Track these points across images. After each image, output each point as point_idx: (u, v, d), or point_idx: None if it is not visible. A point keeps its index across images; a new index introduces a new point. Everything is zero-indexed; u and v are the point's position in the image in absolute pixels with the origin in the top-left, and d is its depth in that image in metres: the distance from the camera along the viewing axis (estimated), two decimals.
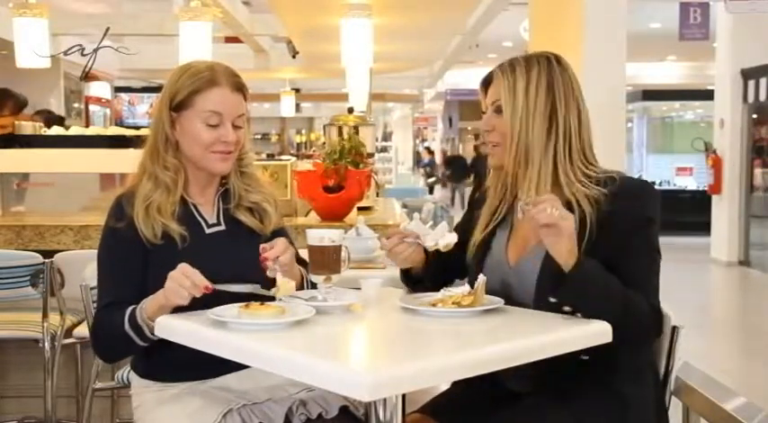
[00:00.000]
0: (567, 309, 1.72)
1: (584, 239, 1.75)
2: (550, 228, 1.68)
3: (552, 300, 1.73)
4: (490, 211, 1.99)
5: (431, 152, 23.79)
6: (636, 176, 1.99)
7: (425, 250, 2.01)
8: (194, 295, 1.74)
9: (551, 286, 1.73)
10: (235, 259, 1.95)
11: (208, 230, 2.00)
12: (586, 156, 1.89)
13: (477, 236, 1.98)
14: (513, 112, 1.85)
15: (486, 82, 1.95)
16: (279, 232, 2.08)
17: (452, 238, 1.94)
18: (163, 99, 1.98)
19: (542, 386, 1.81)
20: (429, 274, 2.03)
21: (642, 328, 1.78)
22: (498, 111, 1.89)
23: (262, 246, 1.87)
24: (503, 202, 1.98)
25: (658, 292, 1.82)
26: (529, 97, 1.85)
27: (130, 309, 1.85)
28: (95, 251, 2.02)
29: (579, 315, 1.71)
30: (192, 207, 2.01)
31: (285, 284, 1.81)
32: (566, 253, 1.69)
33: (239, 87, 1.98)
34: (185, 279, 1.74)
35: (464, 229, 2.04)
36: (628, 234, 1.79)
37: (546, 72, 1.87)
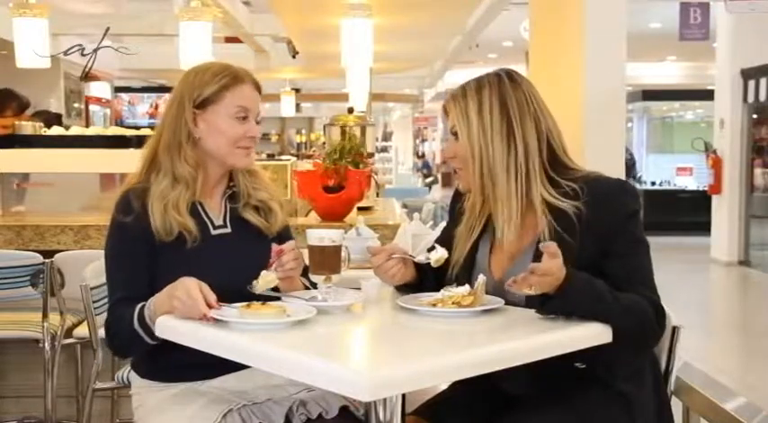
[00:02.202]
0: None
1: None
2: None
3: (539, 316, 1.73)
4: (469, 229, 1.97)
5: (420, 156, 24.40)
6: (618, 176, 1.95)
7: (416, 266, 1.99)
8: (194, 317, 1.71)
9: (539, 301, 1.72)
10: (238, 263, 1.95)
11: (213, 232, 2.00)
12: (558, 165, 1.88)
13: (459, 255, 1.96)
14: (470, 135, 1.85)
15: (445, 109, 1.94)
16: (284, 233, 2.09)
17: (443, 253, 1.92)
18: (182, 98, 1.99)
19: (539, 389, 1.81)
20: (426, 288, 1.96)
21: (648, 331, 1.77)
22: (456, 136, 1.89)
23: (273, 245, 1.88)
24: (480, 217, 1.96)
25: (653, 281, 1.82)
26: (483, 119, 1.85)
27: (139, 307, 1.85)
28: (95, 251, 2.03)
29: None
30: (200, 206, 2.01)
31: (265, 277, 1.80)
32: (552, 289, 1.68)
33: (258, 86, 2.05)
34: (189, 301, 1.72)
35: (447, 240, 2.01)
36: (612, 237, 1.79)
37: (497, 91, 1.87)
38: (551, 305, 1.69)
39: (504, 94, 1.86)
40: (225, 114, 1.97)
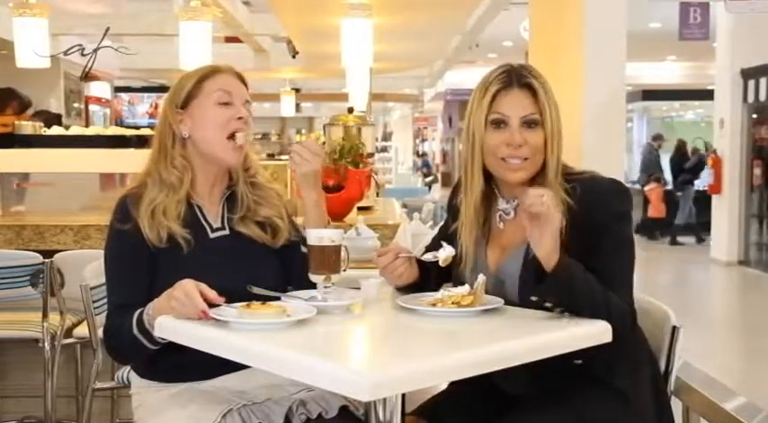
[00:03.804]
0: (549, 305, 1.73)
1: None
2: (539, 219, 1.66)
3: (534, 298, 1.73)
4: (471, 223, 1.95)
5: (420, 155, 24.52)
6: (616, 176, 1.95)
7: (421, 267, 1.99)
8: (193, 317, 1.71)
9: (534, 283, 1.73)
10: (238, 265, 1.95)
11: (212, 235, 2.00)
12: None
13: (465, 249, 1.94)
14: (552, 120, 1.84)
15: (496, 94, 1.86)
16: (293, 244, 2.06)
17: (450, 251, 1.91)
18: (167, 105, 2.01)
19: (539, 389, 1.81)
20: (428, 287, 1.95)
21: (621, 327, 1.76)
22: (531, 125, 1.84)
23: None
24: (480, 212, 1.95)
25: (632, 284, 1.82)
26: (557, 106, 1.86)
27: (137, 313, 1.85)
28: (95, 251, 2.03)
29: (564, 313, 1.73)
30: (197, 209, 2.00)
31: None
32: (549, 250, 1.68)
33: (240, 77, 2.04)
34: (186, 300, 1.72)
35: (447, 237, 2.01)
36: (599, 235, 1.79)
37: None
38: (547, 285, 1.69)
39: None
40: (208, 103, 1.97)
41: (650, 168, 13.34)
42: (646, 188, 12.88)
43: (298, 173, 2.04)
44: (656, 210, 12.71)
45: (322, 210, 2.09)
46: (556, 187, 1.82)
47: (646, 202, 12.88)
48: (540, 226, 1.67)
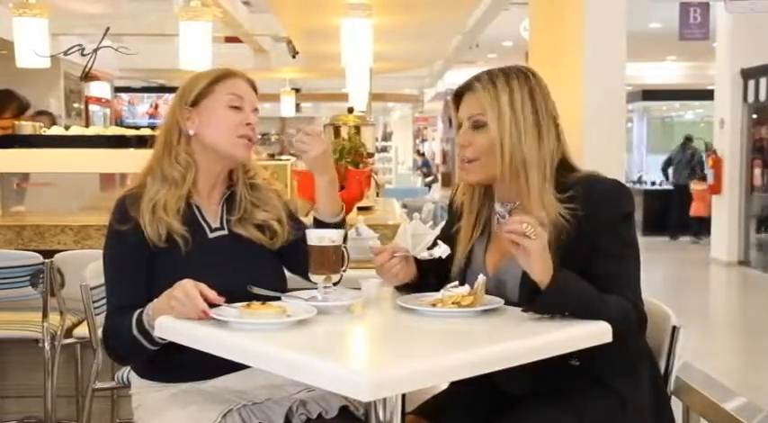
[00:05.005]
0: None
1: (556, 253, 1.73)
2: (519, 248, 1.66)
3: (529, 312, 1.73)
4: (470, 225, 1.97)
5: (420, 154, 24.53)
6: (616, 177, 1.94)
7: (419, 266, 1.98)
8: (193, 317, 1.71)
9: (529, 299, 1.73)
10: (238, 265, 1.95)
11: (211, 235, 2.00)
12: (565, 169, 1.87)
13: (461, 251, 1.95)
14: (501, 125, 1.81)
15: (459, 95, 1.91)
16: (296, 242, 2.05)
17: (445, 249, 1.90)
18: (176, 102, 2.01)
19: (538, 388, 1.81)
20: (427, 287, 1.95)
21: (624, 329, 1.75)
22: (476, 126, 1.85)
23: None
24: (480, 213, 1.96)
25: (639, 286, 1.82)
26: (515, 110, 1.82)
27: (137, 313, 1.85)
28: (95, 251, 2.03)
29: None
30: (196, 209, 2.00)
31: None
32: (538, 272, 1.68)
33: (253, 84, 2.05)
34: (186, 300, 1.71)
35: (449, 238, 2.00)
36: (603, 236, 1.78)
37: (526, 85, 1.85)
38: (540, 303, 1.69)
39: (532, 89, 1.85)
40: (218, 105, 1.98)
41: (693, 167, 13.28)
42: (694, 187, 12.73)
43: (307, 159, 2.01)
44: (704, 209, 12.53)
45: (334, 193, 2.07)
46: (534, 197, 1.80)
47: (689, 201, 12.75)
48: (527, 255, 1.66)
